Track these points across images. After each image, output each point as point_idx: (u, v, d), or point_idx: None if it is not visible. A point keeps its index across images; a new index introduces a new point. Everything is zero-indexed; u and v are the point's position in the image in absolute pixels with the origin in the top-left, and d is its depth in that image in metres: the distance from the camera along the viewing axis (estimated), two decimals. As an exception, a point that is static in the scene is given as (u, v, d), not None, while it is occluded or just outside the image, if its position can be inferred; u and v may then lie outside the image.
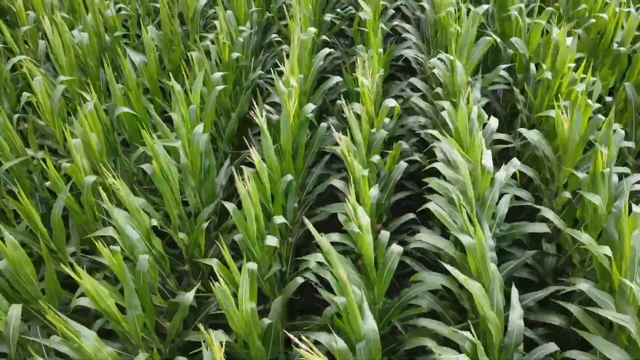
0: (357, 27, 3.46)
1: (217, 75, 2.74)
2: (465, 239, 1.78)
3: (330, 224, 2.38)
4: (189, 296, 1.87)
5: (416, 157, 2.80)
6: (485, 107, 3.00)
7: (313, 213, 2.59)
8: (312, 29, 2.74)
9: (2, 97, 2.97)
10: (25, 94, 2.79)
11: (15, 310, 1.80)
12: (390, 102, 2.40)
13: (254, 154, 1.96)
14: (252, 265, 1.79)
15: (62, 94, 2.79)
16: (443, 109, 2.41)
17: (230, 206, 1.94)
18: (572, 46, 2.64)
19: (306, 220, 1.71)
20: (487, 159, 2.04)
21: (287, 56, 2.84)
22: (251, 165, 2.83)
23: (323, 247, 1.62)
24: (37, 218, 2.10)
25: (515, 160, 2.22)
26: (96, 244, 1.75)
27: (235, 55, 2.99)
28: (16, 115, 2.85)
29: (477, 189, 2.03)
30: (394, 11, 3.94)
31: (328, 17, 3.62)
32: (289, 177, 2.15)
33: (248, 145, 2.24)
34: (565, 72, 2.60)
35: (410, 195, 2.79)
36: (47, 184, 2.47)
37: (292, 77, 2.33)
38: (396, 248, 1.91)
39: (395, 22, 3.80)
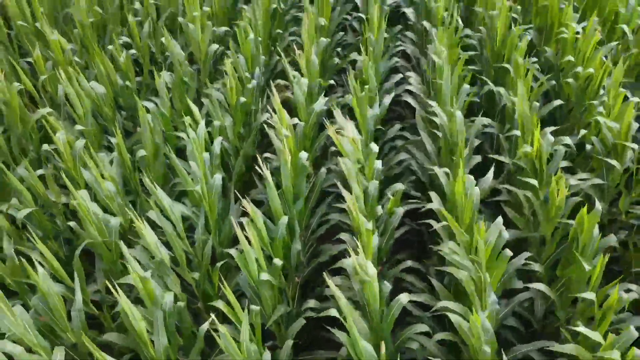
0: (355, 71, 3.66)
1: (217, 123, 2.95)
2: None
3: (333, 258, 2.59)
4: (204, 328, 2.04)
5: (415, 191, 3.01)
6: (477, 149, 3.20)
7: (317, 252, 2.78)
8: (305, 154, 2.84)
9: (28, 145, 3.17)
10: (45, 146, 2.99)
11: (60, 354, 1.95)
12: (373, 147, 2.57)
13: (248, 207, 2.13)
14: (255, 308, 1.96)
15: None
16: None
17: (233, 252, 2.11)
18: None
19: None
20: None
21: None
22: (258, 203, 3.05)
23: (336, 296, 1.80)
24: (57, 264, 2.28)
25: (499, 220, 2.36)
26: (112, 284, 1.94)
27: (242, 99, 3.18)
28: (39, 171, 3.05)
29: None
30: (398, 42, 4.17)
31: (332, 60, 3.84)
32: (285, 219, 2.32)
33: (257, 173, 2.44)
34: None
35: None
36: (72, 224, 2.64)
37: (284, 128, 2.52)
38: (401, 297, 2.07)
39: (396, 60, 3.99)
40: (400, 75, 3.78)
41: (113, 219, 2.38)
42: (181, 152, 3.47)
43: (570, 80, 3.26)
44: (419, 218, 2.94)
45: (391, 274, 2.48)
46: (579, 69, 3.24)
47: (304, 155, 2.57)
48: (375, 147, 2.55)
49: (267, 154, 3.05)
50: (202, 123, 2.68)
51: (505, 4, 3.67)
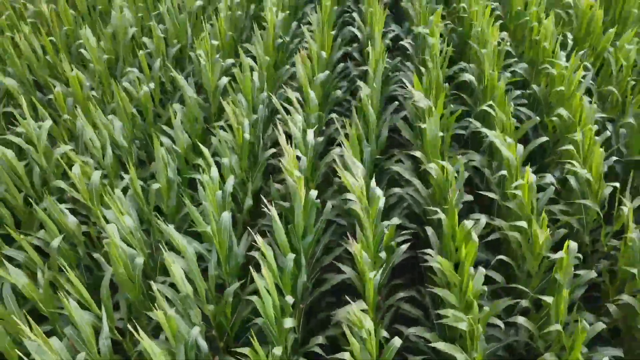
0: (358, 101, 3.90)
1: (225, 160, 3.18)
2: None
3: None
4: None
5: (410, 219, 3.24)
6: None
7: (321, 279, 3.01)
8: (314, 193, 3.02)
9: (50, 178, 3.39)
10: (61, 183, 3.21)
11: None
12: (377, 191, 2.79)
13: (262, 247, 2.35)
14: (277, 352, 2.19)
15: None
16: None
17: (254, 298, 2.32)
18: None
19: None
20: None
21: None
22: (266, 234, 3.28)
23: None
24: (87, 294, 2.49)
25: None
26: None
27: (247, 136, 3.40)
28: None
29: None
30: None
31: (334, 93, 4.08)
32: (293, 256, 2.55)
33: (266, 203, 2.66)
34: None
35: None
36: (96, 256, 2.86)
37: (295, 170, 2.75)
38: (394, 342, 2.31)
39: (395, 87, 4.22)
40: (398, 103, 4.02)
41: (138, 257, 2.60)
42: (192, 181, 3.71)
43: (553, 118, 3.50)
44: (415, 244, 3.17)
45: (388, 304, 2.71)
46: (561, 109, 3.47)
47: (313, 193, 2.80)
48: (379, 192, 2.77)
49: (276, 185, 3.27)
50: (214, 169, 2.90)
51: (495, 42, 3.92)
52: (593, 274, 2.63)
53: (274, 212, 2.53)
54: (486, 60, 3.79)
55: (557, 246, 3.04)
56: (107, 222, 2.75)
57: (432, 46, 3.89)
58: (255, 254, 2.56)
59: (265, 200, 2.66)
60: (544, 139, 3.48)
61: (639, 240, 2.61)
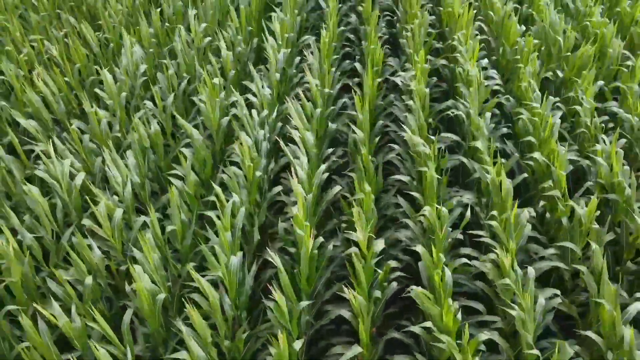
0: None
1: (237, 199, 3.49)
2: None
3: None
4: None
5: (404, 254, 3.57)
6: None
7: (323, 310, 3.32)
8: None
9: (72, 213, 3.69)
10: (87, 221, 3.51)
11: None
12: (379, 244, 3.12)
13: (276, 295, 2.66)
14: None
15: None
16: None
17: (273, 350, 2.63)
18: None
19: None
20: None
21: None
22: (273, 265, 3.59)
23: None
24: (111, 332, 2.80)
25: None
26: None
27: (258, 174, 3.71)
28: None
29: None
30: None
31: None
32: (303, 304, 2.87)
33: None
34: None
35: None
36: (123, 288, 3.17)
37: (300, 228, 3.07)
38: None
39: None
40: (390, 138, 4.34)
41: (160, 294, 2.91)
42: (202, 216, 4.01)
43: (529, 162, 3.84)
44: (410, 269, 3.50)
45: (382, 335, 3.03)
46: (536, 153, 3.80)
47: (318, 242, 3.12)
48: (381, 244, 3.09)
49: (282, 224, 3.58)
50: (228, 208, 3.21)
51: (481, 81, 4.26)
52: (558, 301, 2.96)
53: (278, 262, 2.85)
54: (470, 100, 4.12)
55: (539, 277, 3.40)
56: (136, 261, 3.05)
57: (417, 90, 4.22)
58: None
59: (270, 253, 2.97)
60: (524, 175, 3.81)
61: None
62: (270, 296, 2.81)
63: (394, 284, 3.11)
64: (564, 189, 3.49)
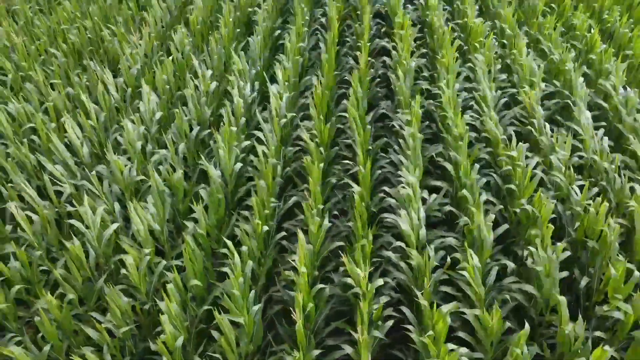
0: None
1: (245, 249, 3.94)
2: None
3: None
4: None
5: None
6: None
7: (322, 340, 3.79)
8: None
9: (101, 260, 4.14)
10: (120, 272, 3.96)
11: None
12: (378, 283, 3.58)
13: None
14: None
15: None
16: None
17: None
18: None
19: None
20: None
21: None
22: (279, 301, 4.06)
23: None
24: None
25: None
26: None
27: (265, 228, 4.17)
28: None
29: None
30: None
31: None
32: (315, 353, 3.35)
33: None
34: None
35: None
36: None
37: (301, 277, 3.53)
38: None
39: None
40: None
41: (180, 338, 3.36)
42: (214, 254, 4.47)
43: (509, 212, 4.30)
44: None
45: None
46: (522, 200, 4.26)
47: (318, 287, 3.58)
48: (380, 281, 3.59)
49: (287, 272, 4.03)
50: (238, 261, 3.67)
51: (465, 135, 4.71)
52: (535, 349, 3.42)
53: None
54: (456, 150, 4.58)
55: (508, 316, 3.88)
56: (162, 313, 3.50)
57: (411, 135, 4.67)
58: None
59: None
60: (506, 226, 4.27)
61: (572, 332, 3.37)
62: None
63: (389, 322, 3.56)
64: (544, 237, 3.94)
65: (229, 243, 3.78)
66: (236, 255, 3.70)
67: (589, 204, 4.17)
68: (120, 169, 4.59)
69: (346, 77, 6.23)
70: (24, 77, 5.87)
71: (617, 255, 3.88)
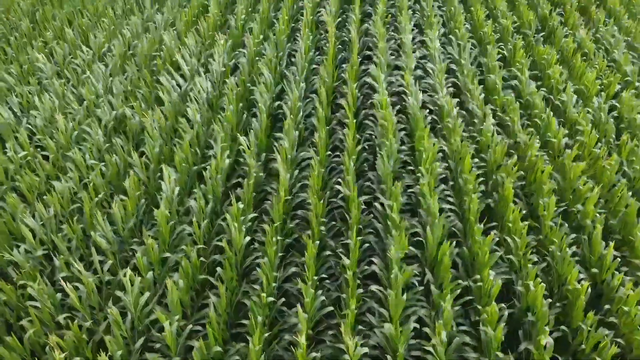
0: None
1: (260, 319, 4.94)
2: None
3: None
4: None
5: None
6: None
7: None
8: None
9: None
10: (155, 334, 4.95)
11: None
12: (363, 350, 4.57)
13: None
14: None
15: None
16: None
17: None
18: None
19: None
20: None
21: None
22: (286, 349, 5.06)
23: None
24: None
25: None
26: None
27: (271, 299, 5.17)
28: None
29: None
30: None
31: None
32: None
33: None
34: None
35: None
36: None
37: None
38: None
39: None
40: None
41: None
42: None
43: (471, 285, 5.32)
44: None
45: None
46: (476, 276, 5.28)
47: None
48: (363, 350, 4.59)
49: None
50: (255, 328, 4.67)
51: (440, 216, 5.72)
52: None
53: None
54: (431, 227, 5.59)
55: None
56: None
57: (392, 218, 5.69)
58: None
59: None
60: (470, 297, 5.28)
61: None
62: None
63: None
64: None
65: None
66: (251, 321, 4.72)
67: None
68: (152, 246, 5.57)
69: (337, 145, 7.27)
70: (65, 156, 6.86)
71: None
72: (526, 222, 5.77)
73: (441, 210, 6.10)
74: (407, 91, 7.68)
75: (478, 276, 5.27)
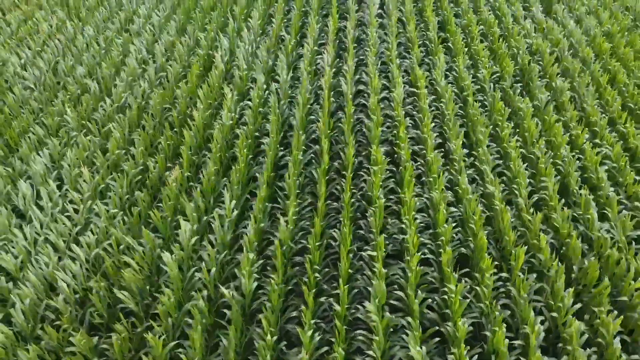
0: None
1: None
2: None
3: None
4: None
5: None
6: None
7: None
8: None
9: None
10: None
11: None
12: None
13: None
14: None
15: None
16: None
17: None
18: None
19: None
20: None
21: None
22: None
23: None
24: None
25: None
26: None
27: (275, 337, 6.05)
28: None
29: None
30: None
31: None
32: None
33: None
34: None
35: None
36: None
37: None
38: None
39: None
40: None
41: None
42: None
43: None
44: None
45: None
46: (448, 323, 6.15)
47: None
48: None
49: None
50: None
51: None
52: None
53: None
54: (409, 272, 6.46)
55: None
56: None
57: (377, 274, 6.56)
58: None
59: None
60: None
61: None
62: None
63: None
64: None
65: None
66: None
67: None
68: (167, 301, 6.45)
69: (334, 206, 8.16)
70: (89, 210, 7.77)
71: None
72: (496, 273, 6.66)
73: (422, 261, 6.97)
74: (400, 144, 8.55)
75: (450, 323, 6.14)
